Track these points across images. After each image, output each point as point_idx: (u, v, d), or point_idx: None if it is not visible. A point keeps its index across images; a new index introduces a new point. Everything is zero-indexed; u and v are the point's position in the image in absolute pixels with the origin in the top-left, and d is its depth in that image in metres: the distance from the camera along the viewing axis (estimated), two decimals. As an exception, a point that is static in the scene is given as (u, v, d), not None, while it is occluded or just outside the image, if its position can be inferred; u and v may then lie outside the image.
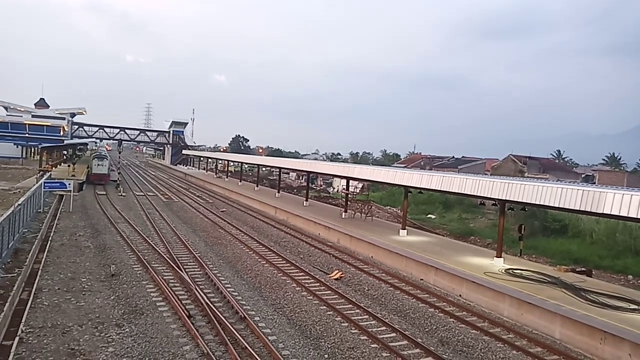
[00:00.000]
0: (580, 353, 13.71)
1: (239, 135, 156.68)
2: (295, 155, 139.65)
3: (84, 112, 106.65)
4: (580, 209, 15.59)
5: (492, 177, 27.87)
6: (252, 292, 17.64)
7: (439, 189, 22.94)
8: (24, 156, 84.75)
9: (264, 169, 69.69)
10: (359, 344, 13.17)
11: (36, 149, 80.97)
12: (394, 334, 14.05)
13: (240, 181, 62.40)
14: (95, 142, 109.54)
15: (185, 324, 13.61)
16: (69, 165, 62.15)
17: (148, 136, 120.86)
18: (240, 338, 12.60)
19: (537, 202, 17.37)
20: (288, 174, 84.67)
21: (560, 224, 36.52)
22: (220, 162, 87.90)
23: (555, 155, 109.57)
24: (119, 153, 77.02)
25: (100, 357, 11.42)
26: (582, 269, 22.57)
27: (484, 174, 61.00)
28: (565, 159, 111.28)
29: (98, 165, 56.87)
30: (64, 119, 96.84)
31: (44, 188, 34.08)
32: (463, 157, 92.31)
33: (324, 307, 16.20)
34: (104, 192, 47.74)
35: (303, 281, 19.05)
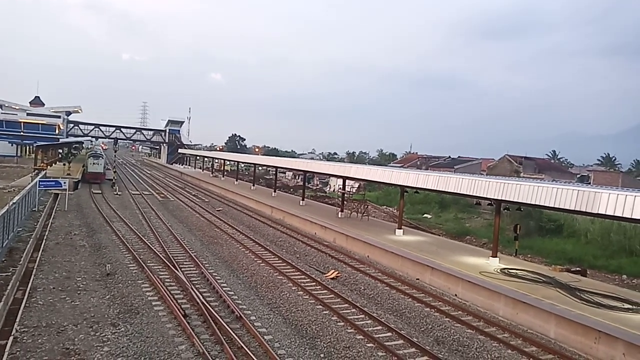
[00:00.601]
0: (575, 352, 13.78)
1: (235, 134, 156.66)
2: (291, 154, 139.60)
3: (79, 111, 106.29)
4: (576, 209, 15.66)
5: (488, 177, 27.98)
6: (248, 291, 17.63)
7: (435, 188, 22.99)
8: (18, 155, 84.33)
9: (260, 168, 69.59)
10: (354, 344, 13.19)
11: (31, 147, 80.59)
12: (389, 334, 14.08)
13: (237, 180, 62.31)
14: (91, 141, 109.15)
15: (180, 323, 13.58)
16: (64, 164, 61.89)
17: (144, 135, 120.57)
18: (236, 337, 12.58)
19: (533, 202, 17.44)
20: (284, 173, 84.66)
21: (556, 224, 36.69)
22: (216, 161, 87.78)
23: (551, 155, 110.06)
24: (115, 152, 76.83)
25: (96, 357, 11.38)
26: (577, 268, 22.70)
27: (480, 174, 61.24)
28: (561, 159, 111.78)
29: (94, 163, 56.65)
30: (59, 117, 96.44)
31: (39, 187, 33.91)
32: (459, 157, 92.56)
33: (320, 306, 16.21)
34: (100, 191, 47.56)
35: (299, 281, 19.05)
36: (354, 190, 45.72)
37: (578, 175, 74.27)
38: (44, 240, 23.17)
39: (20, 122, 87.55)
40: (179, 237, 26.51)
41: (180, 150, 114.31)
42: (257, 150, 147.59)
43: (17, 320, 12.97)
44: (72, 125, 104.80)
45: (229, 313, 14.86)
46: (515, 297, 16.17)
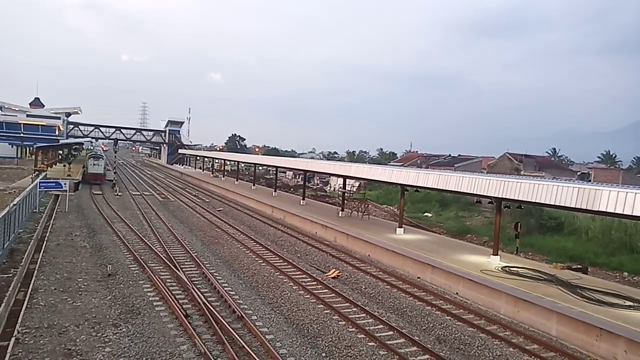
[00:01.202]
0: (577, 350, 13.78)
1: (235, 134, 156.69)
2: (291, 154, 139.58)
3: (79, 112, 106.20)
4: (576, 207, 15.67)
5: (489, 175, 27.96)
6: (249, 291, 17.64)
7: (435, 187, 23.00)
8: (19, 156, 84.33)
9: (260, 168, 69.64)
10: (356, 342, 13.19)
11: (31, 148, 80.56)
12: (391, 332, 14.08)
13: (237, 180, 62.32)
14: (91, 142, 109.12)
15: (182, 323, 13.59)
16: (64, 165, 61.89)
17: (144, 135, 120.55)
18: (237, 337, 12.59)
19: (533, 200, 17.44)
20: (285, 172, 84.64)
21: (556, 221, 36.68)
22: (216, 161, 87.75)
23: (551, 153, 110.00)
24: (115, 152, 76.77)
25: (97, 357, 11.39)
26: (578, 266, 22.71)
27: (480, 172, 61.18)
28: (561, 157, 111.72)
29: (94, 164, 56.67)
30: (59, 118, 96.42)
31: (39, 188, 33.92)
32: (459, 155, 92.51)
33: (321, 305, 16.21)
34: (100, 192, 47.57)
35: (300, 280, 19.06)
36: (355, 190, 45.74)
37: (578, 173, 74.22)
38: (45, 242, 23.17)
39: (20, 123, 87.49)
40: (179, 238, 26.52)
41: (180, 151, 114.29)
42: (257, 150, 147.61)
43: (19, 321, 12.97)
44: (72, 126, 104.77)
45: (231, 313, 14.87)
46: (517, 295, 16.17)
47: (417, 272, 20.99)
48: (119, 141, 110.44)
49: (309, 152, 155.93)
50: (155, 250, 22.89)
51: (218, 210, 39.79)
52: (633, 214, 13.88)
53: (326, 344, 13.04)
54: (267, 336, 13.05)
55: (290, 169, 66.38)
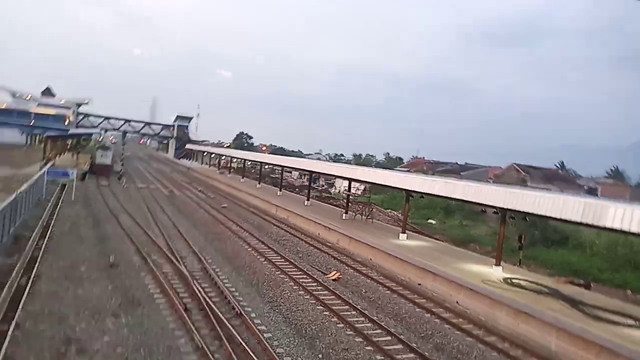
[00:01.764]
0: (575, 365, 13.66)
1: (242, 132, 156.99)
2: (298, 154, 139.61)
3: (89, 103, 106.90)
4: (582, 222, 15.56)
5: (495, 185, 27.83)
6: (249, 288, 17.67)
7: (441, 194, 22.93)
8: (28, 143, 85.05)
9: (266, 166, 69.73)
10: (353, 346, 13.17)
11: (41, 137, 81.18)
12: (389, 338, 14.04)
13: (243, 178, 62.46)
14: (100, 133, 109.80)
15: (181, 317, 13.64)
16: (72, 155, 62.36)
17: (152, 129, 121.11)
18: (235, 334, 12.61)
19: (538, 213, 17.34)
20: (290, 172, 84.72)
21: (561, 235, 36.42)
22: (223, 158, 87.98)
23: (559, 165, 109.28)
24: (123, 145, 77.22)
25: (96, 346, 11.46)
26: (581, 281, 22.50)
27: (487, 181, 60.90)
28: (568, 170, 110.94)
29: (102, 156, 57.07)
30: (69, 108, 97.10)
31: (47, 176, 34.19)
32: (466, 163, 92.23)
33: (321, 307, 16.20)
34: (107, 183, 47.90)
35: (301, 280, 19.06)
36: (359, 193, 45.69)
37: (586, 187, 73.71)
38: (50, 229, 23.36)
39: (31, 112, 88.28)
40: (183, 232, 26.63)
41: (187, 146, 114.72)
42: (264, 148, 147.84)
43: (20, 306, 13.09)
44: (81, 116, 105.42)
45: (230, 309, 14.90)
46: (517, 308, 16.05)
47: (418, 279, 20.91)
48: (127, 134, 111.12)
49: (315, 153, 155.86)
50: (158, 243, 23.00)
51: (222, 207, 39.90)
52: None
53: (323, 346, 13.02)
54: (264, 334, 13.06)
55: (296, 169, 66.39)
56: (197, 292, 15.65)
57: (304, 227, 32.83)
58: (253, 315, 14.65)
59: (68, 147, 77.00)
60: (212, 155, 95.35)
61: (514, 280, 19.12)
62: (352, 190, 39.47)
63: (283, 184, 53.87)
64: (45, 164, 45.63)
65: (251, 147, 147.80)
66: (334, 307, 16.03)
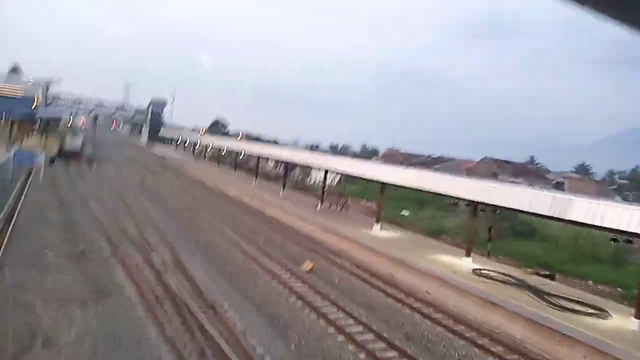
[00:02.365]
0: (539, 354, 14.18)
1: (218, 120, 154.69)
2: (274, 142, 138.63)
3: (59, 82, 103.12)
4: (549, 215, 16.08)
5: (466, 178, 28.38)
6: (222, 279, 17.56)
7: (414, 186, 23.25)
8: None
9: (241, 155, 69.05)
10: (325, 336, 13.31)
11: (6, 119, 77.93)
12: (360, 327, 14.24)
13: (218, 165, 61.77)
14: (70, 116, 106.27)
15: (151, 308, 13.47)
16: (41, 138, 60.22)
17: (125, 113, 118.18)
18: (207, 325, 12.55)
19: (508, 206, 17.82)
20: (267, 161, 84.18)
21: (529, 227, 37.52)
22: (197, 145, 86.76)
23: (529, 160, 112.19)
24: (94, 129, 75.07)
25: (63, 338, 11.21)
26: (546, 272, 23.31)
27: (460, 174, 61.97)
28: (538, 165, 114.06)
29: (71, 139, 55.40)
30: (38, 87, 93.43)
31: (13, 160, 32.96)
32: (440, 156, 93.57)
33: (294, 298, 16.28)
34: (77, 168, 46.55)
35: (274, 271, 19.08)
36: (335, 183, 45.90)
37: (554, 182, 75.94)
38: (16, 214, 22.59)
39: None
40: (155, 221, 26.20)
41: (161, 131, 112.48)
42: (242, 136, 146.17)
43: (-17, 296, 12.67)
44: (51, 98, 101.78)
45: (202, 300, 14.79)
46: (485, 298, 16.53)
47: (391, 269, 21.23)
48: (99, 117, 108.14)
49: (292, 142, 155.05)
50: (129, 231, 22.57)
51: (196, 196, 39.38)
52: (602, 225, 14.34)
53: (296, 336, 13.11)
54: (237, 326, 13.04)
55: (272, 159, 66.08)
56: (169, 282, 15.49)
57: (279, 218, 32.77)
58: (225, 306, 14.55)
59: (35, 129, 74.30)
60: (186, 143, 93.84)
61: (482, 271, 19.66)
62: (328, 181, 39.58)
63: (258, 173, 53.53)
64: (12, 147, 43.95)
65: (227, 135, 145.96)
66: (307, 298, 16.12)
